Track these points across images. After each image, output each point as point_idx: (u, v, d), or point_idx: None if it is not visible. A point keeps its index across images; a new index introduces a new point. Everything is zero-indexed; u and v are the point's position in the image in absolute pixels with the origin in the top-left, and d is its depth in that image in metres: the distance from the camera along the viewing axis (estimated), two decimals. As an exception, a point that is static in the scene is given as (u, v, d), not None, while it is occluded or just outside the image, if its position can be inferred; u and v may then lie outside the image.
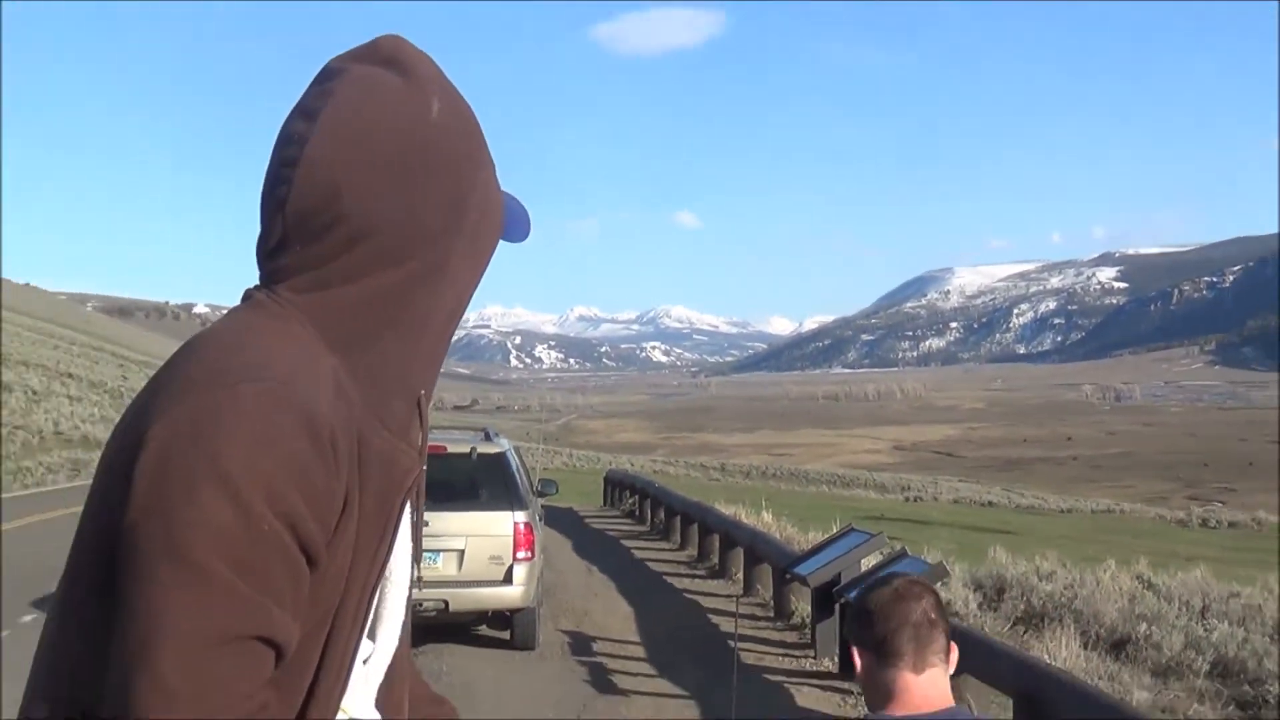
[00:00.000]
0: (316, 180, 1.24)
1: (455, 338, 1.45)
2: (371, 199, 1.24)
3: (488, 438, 10.59)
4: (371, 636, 1.36)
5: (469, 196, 1.31)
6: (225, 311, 1.36)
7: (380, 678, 1.39)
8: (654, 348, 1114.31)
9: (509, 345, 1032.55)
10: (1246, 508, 46.73)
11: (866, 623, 2.35)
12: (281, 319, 1.25)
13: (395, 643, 1.41)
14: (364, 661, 1.33)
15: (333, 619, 1.22)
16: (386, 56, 1.30)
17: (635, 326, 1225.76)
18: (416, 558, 1.43)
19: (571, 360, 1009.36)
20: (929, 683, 2.27)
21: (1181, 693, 8.77)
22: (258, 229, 1.30)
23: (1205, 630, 10.32)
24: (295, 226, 1.25)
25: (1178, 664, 9.56)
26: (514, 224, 1.42)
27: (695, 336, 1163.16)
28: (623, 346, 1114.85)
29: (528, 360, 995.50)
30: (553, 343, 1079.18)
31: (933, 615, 2.33)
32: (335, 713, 1.26)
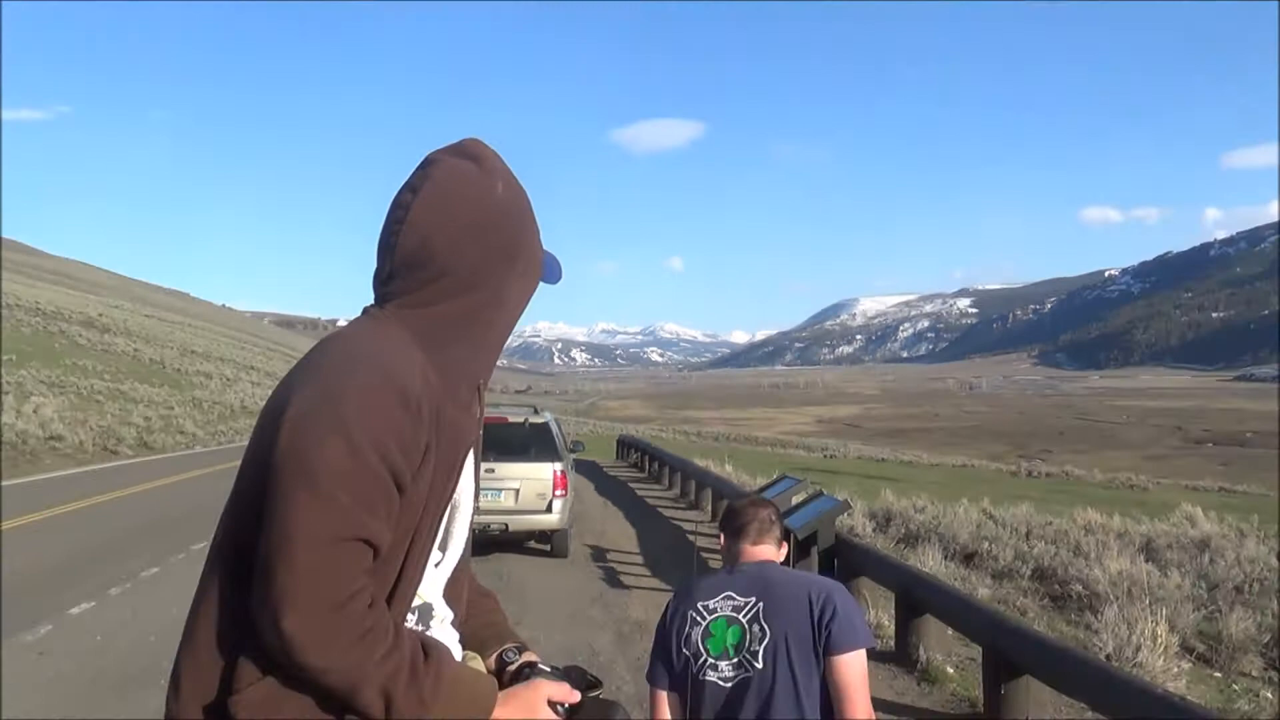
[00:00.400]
0: (416, 235, 1.29)
1: (515, 343, 1.50)
2: (453, 249, 1.29)
3: (536, 412, 10.56)
4: (442, 548, 1.39)
5: (521, 250, 1.36)
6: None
7: (447, 576, 1.42)
8: (653, 351, 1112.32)
9: (553, 349, 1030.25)
10: (1059, 464, 46.26)
11: (731, 517, 2.44)
12: (387, 326, 1.29)
13: (459, 553, 1.44)
14: (435, 565, 1.37)
15: (413, 533, 1.26)
16: (468, 152, 1.36)
17: (640, 336, 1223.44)
18: (476, 494, 1.48)
19: (596, 360, 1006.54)
20: (760, 551, 2.37)
21: (1012, 590, 8.78)
22: (374, 265, 1.35)
23: (1029, 547, 10.31)
24: (400, 265, 1.30)
25: (1009, 570, 9.55)
26: (550, 271, 1.46)
27: (681, 343, 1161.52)
28: (631, 350, 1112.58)
29: (566, 359, 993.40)
30: (583, 347, 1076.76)
31: (773, 518, 2.43)
32: (413, 598, 1.30)
